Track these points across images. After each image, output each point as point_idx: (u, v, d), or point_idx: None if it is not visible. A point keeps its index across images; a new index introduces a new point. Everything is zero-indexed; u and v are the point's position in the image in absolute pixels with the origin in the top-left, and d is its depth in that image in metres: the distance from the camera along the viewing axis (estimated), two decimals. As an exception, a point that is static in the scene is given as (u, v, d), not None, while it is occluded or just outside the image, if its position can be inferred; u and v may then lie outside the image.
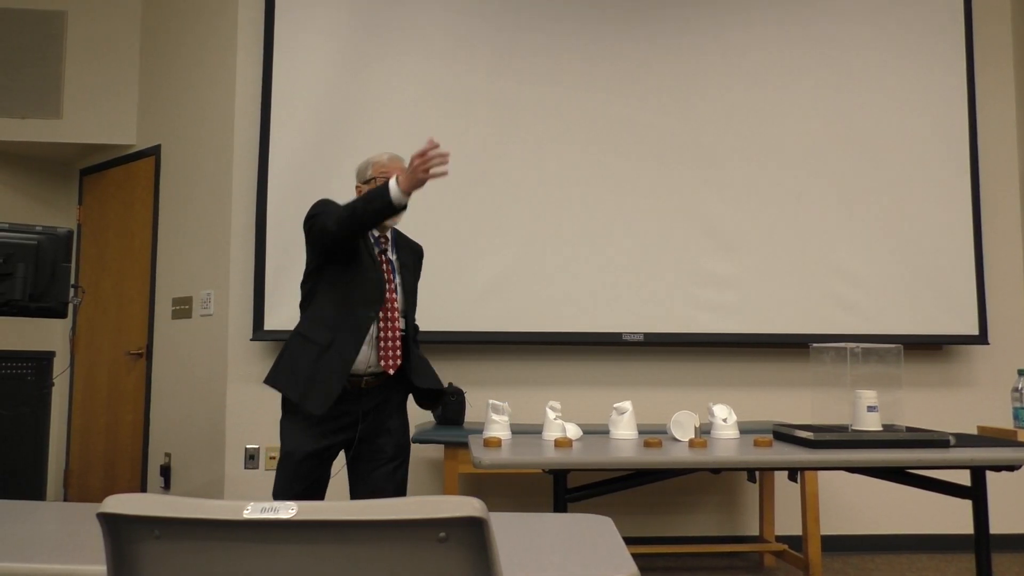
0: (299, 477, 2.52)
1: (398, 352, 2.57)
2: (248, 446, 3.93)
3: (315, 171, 3.96)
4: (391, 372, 2.56)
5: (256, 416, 3.94)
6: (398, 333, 2.59)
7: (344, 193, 3.98)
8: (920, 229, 4.17)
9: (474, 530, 0.82)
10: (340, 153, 3.96)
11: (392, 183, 2.33)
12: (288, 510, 0.83)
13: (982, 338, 4.13)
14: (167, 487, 4.23)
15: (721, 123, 4.14)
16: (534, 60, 4.09)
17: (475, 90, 4.05)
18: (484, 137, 4.03)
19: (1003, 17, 4.47)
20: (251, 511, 0.83)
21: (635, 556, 4.11)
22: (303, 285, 2.61)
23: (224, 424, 3.94)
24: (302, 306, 2.61)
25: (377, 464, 2.56)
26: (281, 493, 2.52)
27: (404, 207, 2.38)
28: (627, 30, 4.14)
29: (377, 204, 2.35)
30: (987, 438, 2.50)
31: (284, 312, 3.86)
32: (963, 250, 4.17)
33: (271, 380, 2.54)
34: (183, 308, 4.25)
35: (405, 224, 2.86)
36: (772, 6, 4.22)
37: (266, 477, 3.91)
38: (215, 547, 0.88)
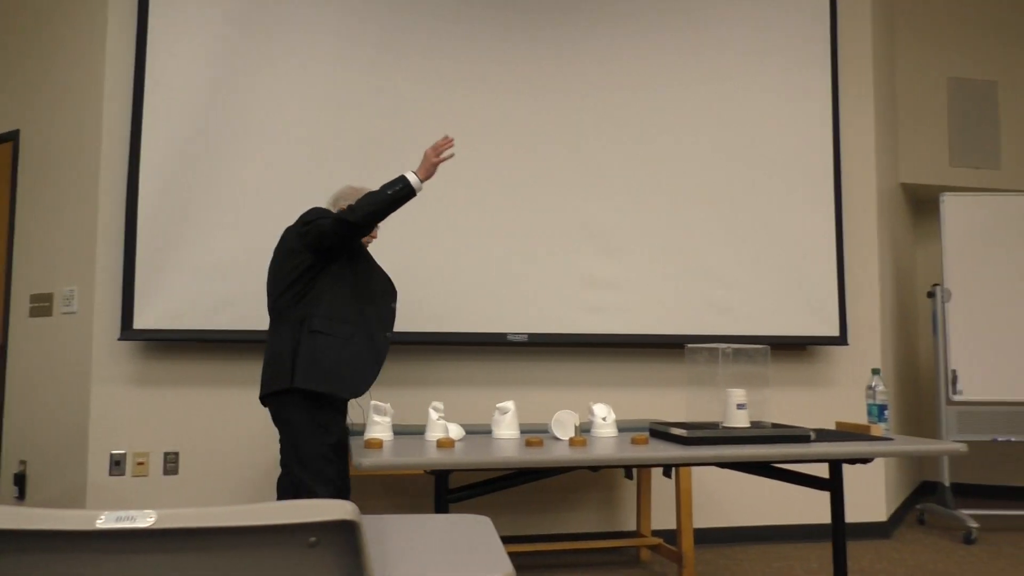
0: (345, 462, 2.74)
1: None
2: (114, 451, 3.72)
3: (193, 164, 3.79)
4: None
5: (123, 420, 3.74)
6: None
7: (228, 187, 3.85)
8: (788, 237, 4.41)
9: (345, 534, 0.81)
10: (220, 147, 3.81)
11: (407, 173, 2.68)
12: (146, 518, 0.79)
13: (842, 339, 4.40)
14: (22, 497, 3.95)
15: (604, 128, 4.24)
16: (419, 61, 4.06)
17: (359, 88, 3.99)
18: (365, 137, 3.97)
19: (864, 42, 4.78)
20: (105, 520, 0.79)
21: (517, 555, 4.15)
22: (293, 285, 2.72)
23: (87, 428, 3.72)
24: (292, 304, 2.72)
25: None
26: (344, 477, 2.71)
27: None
28: (511, 33, 4.18)
29: (399, 190, 2.66)
30: (844, 433, 2.66)
31: (156, 310, 3.68)
32: (827, 258, 4.44)
33: (300, 382, 2.61)
34: (43, 305, 3.99)
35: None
36: (653, 16, 4.35)
37: (133, 484, 3.71)
38: (67, 560, 0.82)
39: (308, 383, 2.62)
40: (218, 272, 3.76)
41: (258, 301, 3.77)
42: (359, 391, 2.70)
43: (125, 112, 3.84)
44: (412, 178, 2.67)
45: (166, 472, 3.76)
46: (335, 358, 2.67)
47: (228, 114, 3.84)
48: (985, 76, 5.70)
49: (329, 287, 2.72)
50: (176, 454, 3.77)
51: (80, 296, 3.83)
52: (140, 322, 3.67)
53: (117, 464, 3.72)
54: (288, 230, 2.87)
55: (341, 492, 2.73)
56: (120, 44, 3.89)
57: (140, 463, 3.73)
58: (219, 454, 3.81)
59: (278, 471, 2.79)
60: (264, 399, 2.76)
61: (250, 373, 3.87)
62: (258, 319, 3.76)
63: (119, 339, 3.67)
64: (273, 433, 3.84)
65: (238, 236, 3.80)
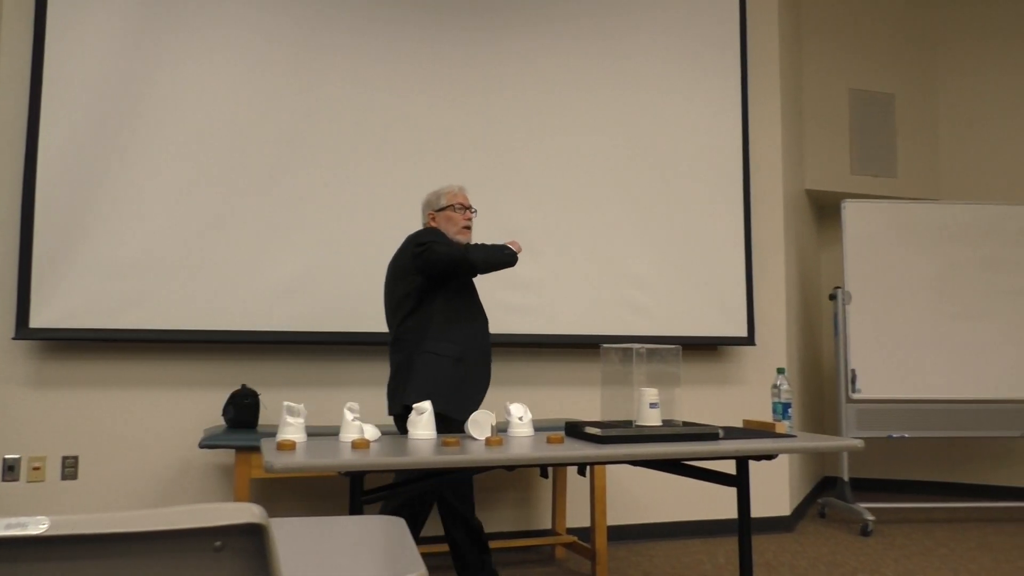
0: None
1: None
2: (7, 456, 3.53)
3: (95, 159, 3.63)
4: None
5: (17, 422, 3.55)
6: None
7: (132, 184, 3.71)
8: (700, 240, 4.53)
9: (252, 538, 0.79)
10: (125, 142, 3.67)
11: (511, 246, 2.93)
12: (39, 525, 0.75)
13: (750, 339, 4.55)
14: (-96, 506, 3.71)
15: (521, 130, 4.27)
16: (336, 59, 4.01)
17: (274, 86, 3.90)
18: (277, 136, 3.89)
19: (772, 54, 4.96)
20: (-6, 529, 0.75)
21: (432, 555, 4.11)
22: (406, 302, 2.92)
23: (-22, 433, 3.52)
24: (407, 324, 2.92)
25: None
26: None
27: None
28: (431, 32, 4.17)
29: (509, 260, 2.89)
30: (750, 430, 2.75)
31: (54, 309, 3.51)
32: (736, 260, 4.58)
33: (412, 401, 2.76)
34: (-71, 302, 3.75)
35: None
36: (570, 21, 4.41)
37: (28, 490, 3.53)
38: (-49, 571, 0.78)
39: (418, 402, 2.73)
40: (120, 270, 3.62)
41: (162, 301, 3.65)
42: (468, 413, 2.81)
43: (21, 103, 3.65)
44: (512, 250, 2.91)
45: (64, 477, 3.59)
46: (449, 377, 2.83)
47: (135, 108, 3.70)
48: (884, 88, 5.99)
49: (441, 309, 2.90)
50: (75, 458, 3.61)
51: (-29, 293, 3.62)
52: (37, 321, 3.50)
53: (11, 469, 3.53)
54: (402, 251, 2.99)
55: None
56: (16, 31, 3.69)
57: (36, 468, 3.55)
58: (121, 458, 3.67)
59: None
60: (395, 417, 2.94)
61: (154, 374, 3.74)
62: (162, 319, 3.64)
63: (13, 338, 3.49)
64: (176, 435, 3.72)
65: (142, 234, 3.66)
